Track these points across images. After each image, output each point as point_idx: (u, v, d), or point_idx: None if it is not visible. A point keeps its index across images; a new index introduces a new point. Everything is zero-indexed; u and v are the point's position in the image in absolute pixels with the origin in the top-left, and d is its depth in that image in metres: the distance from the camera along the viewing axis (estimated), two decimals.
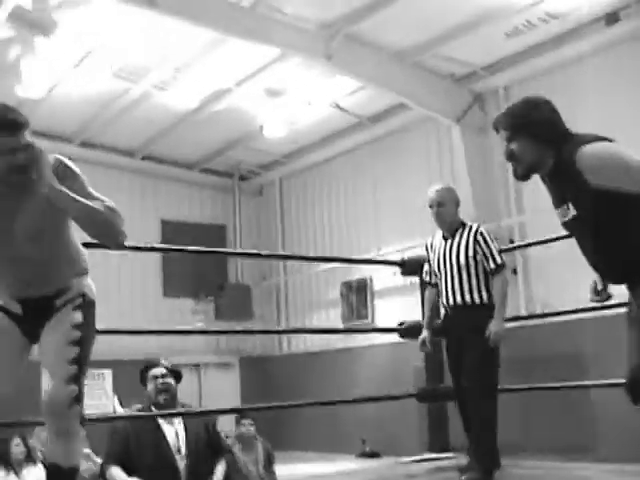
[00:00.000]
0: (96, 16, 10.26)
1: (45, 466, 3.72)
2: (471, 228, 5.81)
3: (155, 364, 5.81)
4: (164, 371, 5.70)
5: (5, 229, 3.45)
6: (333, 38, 10.96)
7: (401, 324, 7.04)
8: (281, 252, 16.25)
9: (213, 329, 14.50)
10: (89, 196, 3.69)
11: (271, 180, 17.02)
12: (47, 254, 3.58)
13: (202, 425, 5.58)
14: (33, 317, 3.67)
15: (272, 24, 10.67)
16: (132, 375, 12.60)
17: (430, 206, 5.91)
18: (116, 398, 12.33)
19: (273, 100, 13.02)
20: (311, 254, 15.15)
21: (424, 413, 11.42)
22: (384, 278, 13.45)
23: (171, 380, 5.70)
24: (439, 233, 5.98)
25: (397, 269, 7.85)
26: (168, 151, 15.58)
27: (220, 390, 15.55)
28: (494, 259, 5.68)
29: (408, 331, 6.87)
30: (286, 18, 10.78)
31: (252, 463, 8.49)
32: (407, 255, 7.73)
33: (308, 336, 15.91)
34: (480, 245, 5.71)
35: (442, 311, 5.89)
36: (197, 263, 15.55)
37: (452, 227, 5.84)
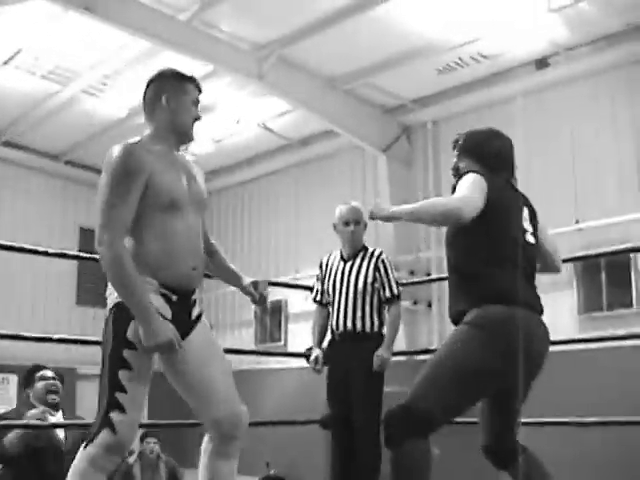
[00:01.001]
0: (29, 15, 10.12)
1: None
2: (373, 253, 5.71)
3: (44, 367, 5.94)
4: (53, 373, 5.82)
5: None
6: (266, 59, 10.98)
7: (309, 349, 7.02)
8: None
9: None
10: None
11: None
12: None
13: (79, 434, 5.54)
14: (180, 325, 3.60)
15: (207, 40, 10.64)
16: None
17: (345, 223, 5.80)
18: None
19: (202, 116, 12.95)
20: None
21: (329, 440, 11.40)
22: (299, 302, 13.43)
23: (59, 383, 5.81)
24: (336, 252, 5.89)
25: (309, 294, 7.84)
26: (92, 158, 15.37)
27: None
28: (391, 289, 5.61)
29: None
30: (221, 35, 10.76)
31: None
32: None
33: None
34: (380, 272, 5.62)
35: (329, 335, 5.83)
36: None
37: (356, 249, 5.75)
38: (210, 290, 16.18)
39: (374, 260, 5.66)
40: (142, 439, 8.81)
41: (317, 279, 6.02)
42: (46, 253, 5.72)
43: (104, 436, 3.20)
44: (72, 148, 14.93)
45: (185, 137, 3.97)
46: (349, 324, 5.59)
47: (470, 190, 3.61)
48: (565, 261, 7.58)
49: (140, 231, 3.46)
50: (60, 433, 5.59)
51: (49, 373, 5.84)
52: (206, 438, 3.69)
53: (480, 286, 3.65)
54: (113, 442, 3.20)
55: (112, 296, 3.44)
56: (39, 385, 5.73)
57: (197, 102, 4.01)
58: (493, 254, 3.69)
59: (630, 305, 9.86)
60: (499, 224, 3.73)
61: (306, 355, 6.22)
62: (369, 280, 5.59)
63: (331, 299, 5.76)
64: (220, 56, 10.82)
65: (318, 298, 5.98)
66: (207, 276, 4.03)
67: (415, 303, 11.91)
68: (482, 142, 4.10)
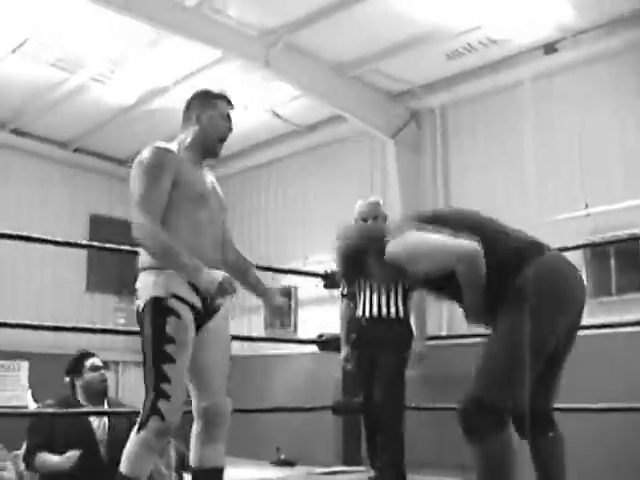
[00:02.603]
0: (35, 3, 10.13)
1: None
2: None
3: (91, 354, 5.90)
4: (100, 362, 5.83)
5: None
6: (274, 45, 10.97)
7: (320, 336, 7.05)
8: None
9: (134, 329, 14.33)
10: None
11: None
12: None
13: (126, 419, 5.62)
14: (206, 313, 3.90)
15: (214, 26, 10.64)
16: (49, 368, 12.52)
17: (364, 219, 5.88)
18: (29, 392, 12.12)
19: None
20: None
21: (340, 425, 11.46)
22: (309, 288, 13.43)
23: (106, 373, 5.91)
24: None
25: (320, 281, 7.85)
26: (101, 145, 15.42)
27: (138, 389, 15.38)
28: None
29: (326, 344, 6.92)
30: (229, 21, 10.75)
31: (165, 466, 8.45)
32: (331, 267, 7.54)
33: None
34: None
35: (358, 324, 5.89)
36: (123, 260, 15.37)
37: None
38: None
39: None
40: None
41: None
42: (56, 242, 5.75)
43: (154, 422, 3.56)
44: (81, 136, 14.93)
45: (211, 153, 4.28)
46: (375, 311, 5.74)
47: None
48: (575, 248, 7.64)
49: (170, 220, 3.83)
50: (94, 421, 5.62)
51: (98, 362, 5.84)
52: (195, 424, 3.98)
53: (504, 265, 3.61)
54: (162, 427, 3.56)
55: (146, 290, 3.81)
56: (89, 376, 5.72)
57: (228, 116, 4.28)
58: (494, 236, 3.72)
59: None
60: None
61: (317, 341, 6.27)
62: None
63: (355, 290, 5.82)
64: (227, 42, 10.82)
65: (346, 292, 6.05)
66: None
67: None
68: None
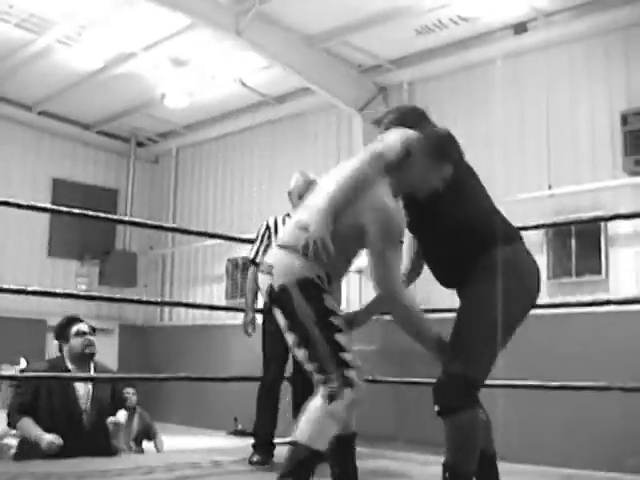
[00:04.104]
0: None
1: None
2: None
3: (78, 319, 5.88)
4: (88, 327, 5.81)
5: None
6: (245, 14, 10.91)
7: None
8: (171, 223, 16.13)
9: (95, 294, 14.28)
10: None
11: (168, 149, 16.88)
12: None
13: (108, 386, 5.80)
14: None
15: None
16: (11, 332, 12.42)
17: (300, 196, 5.68)
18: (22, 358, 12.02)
19: (177, 69, 12.91)
20: (201, 228, 15.00)
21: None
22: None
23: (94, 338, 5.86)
24: (284, 218, 5.93)
25: None
26: (66, 109, 15.28)
27: (98, 355, 15.32)
28: None
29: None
30: None
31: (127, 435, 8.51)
32: None
33: (191, 309, 15.88)
34: None
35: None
36: (85, 225, 15.32)
37: None
38: (182, 244, 16.20)
39: None
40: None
41: (260, 240, 5.94)
42: (18, 205, 5.68)
43: (348, 394, 3.45)
44: (46, 99, 14.77)
45: None
46: None
47: None
48: (536, 227, 7.70)
49: None
50: (80, 388, 5.62)
51: (85, 327, 5.81)
52: None
53: (485, 232, 3.70)
54: (357, 398, 3.47)
55: (292, 271, 3.54)
56: (75, 342, 5.71)
57: None
58: (482, 204, 3.82)
59: (599, 272, 9.96)
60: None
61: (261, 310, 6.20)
62: None
63: None
64: (198, 9, 10.74)
65: (259, 260, 5.79)
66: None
67: None
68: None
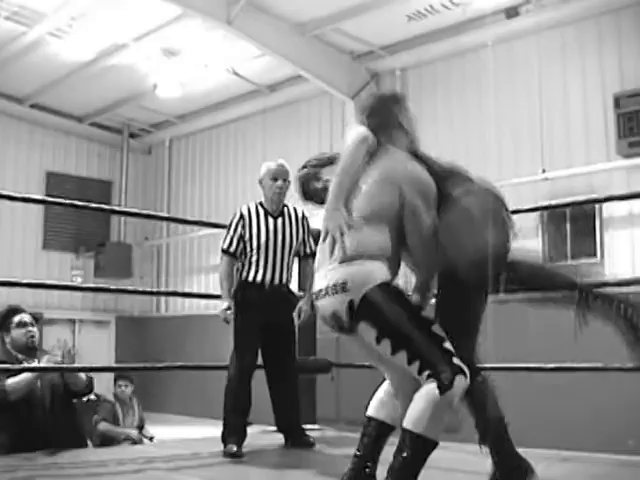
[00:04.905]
0: None
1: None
2: (296, 211, 5.92)
3: (20, 310, 5.76)
4: (30, 318, 5.71)
5: None
6: (236, 3, 10.88)
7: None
8: (165, 213, 16.15)
9: (91, 286, 14.28)
10: None
11: (161, 140, 16.87)
12: None
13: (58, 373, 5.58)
14: None
15: None
16: None
17: (274, 179, 5.86)
18: None
19: (169, 60, 12.88)
20: (196, 218, 14.98)
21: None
22: None
23: (35, 329, 5.72)
24: (257, 207, 5.89)
25: None
26: (58, 101, 15.24)
27: (94, 347, 15.38)
28: (310, 246, 5.90)
29: None
30: None
31: (130, 425, 8.55)
32: None
33: (187, 300, 15.89)
34: (304, 231, 5.90)
35: (255, 284, 5.74)
36: (80, 218, 15.34)
37: (281, 205, 5.89)
38: (177, 235, 16.20)
39: (300, 219, 5.90)
40: (115, 381, 8.86)
41: (233, 229, 5.83)
42: (10, 197, 5.66)
43: (460, 381, 3.41)
44: (38, 92, 14.73)
45: None
46: (277, 276, 5.73)
47: None
48: (531, 210, 7.69)
49: None
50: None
51: (26, 318, 5.65)
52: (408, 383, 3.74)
53: None
54: (467, 385, 3.44)
55: (367, 277, 3.54)
56: (17, 333, 5.60)
57: None
58: None
59: (594, 255, 9.97)
60: None
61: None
62: (299, 238, 5.84)
63: (255, 252, 5.71)
64: None
65: (233, 249, 5.78)
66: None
67: None
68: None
